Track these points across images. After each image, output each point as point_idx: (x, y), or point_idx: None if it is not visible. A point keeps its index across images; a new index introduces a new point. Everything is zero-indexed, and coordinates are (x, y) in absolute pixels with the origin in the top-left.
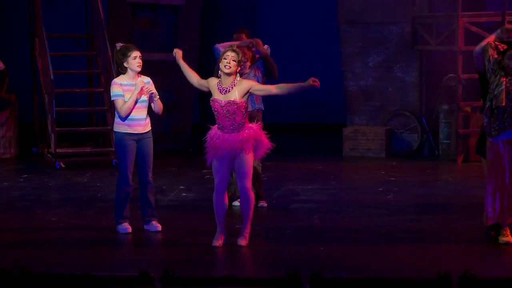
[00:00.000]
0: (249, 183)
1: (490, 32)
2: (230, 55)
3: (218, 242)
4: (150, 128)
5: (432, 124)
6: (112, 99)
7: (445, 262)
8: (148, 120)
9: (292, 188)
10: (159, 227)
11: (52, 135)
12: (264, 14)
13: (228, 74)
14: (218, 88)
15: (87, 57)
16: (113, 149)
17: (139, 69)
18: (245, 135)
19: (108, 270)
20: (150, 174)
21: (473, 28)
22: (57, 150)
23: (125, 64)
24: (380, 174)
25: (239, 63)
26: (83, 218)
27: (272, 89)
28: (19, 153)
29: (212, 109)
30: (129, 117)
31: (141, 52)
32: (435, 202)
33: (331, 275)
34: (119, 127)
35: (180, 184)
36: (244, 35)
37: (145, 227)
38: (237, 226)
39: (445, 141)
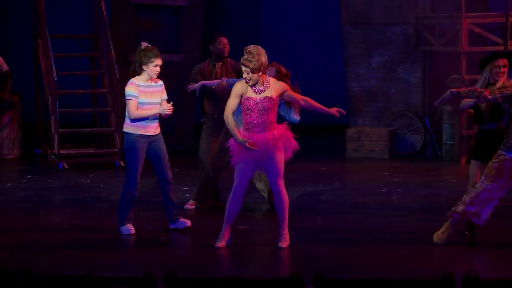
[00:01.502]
0: (282, 183)
1: (494, 33)
2: (244, 69)
3: (222, 243)
4: (159, 129)
5: (436, 125)
6: (126, 98)
7: (448, 263)
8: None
9: (295, 189)
10: (188, 222)
11: (56, 136)
12: (267, 13)
13: (253, 85)
14: (253, 89)
15: (91, 58)
16: (117, 150)
17: (155, 77)
18: (276, 133)
19: (112, 271)
20: (170, 174)
21: (477, 29)
22: (61, 151)
23: (144, 67)
24: (383, 175)
25: (258, 68)
26: (86, 219)
27: (300, 100)
28: (23, 154)
29: (244, 108)
30: (150, 118)
31: (162, 60)
32: (438, 203)
33: (335, 276)
34: (132, 128)
35: (183, 185)
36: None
37: (172, 226)
38: (240, 227)
39: (448, 142)
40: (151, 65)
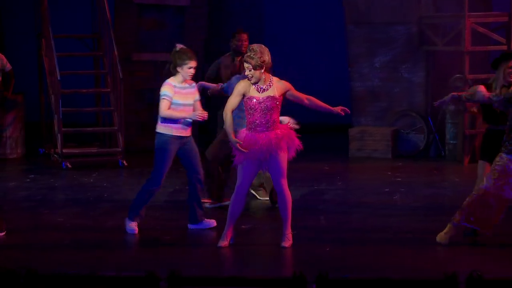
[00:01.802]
0: (285, 182)
1: (497, 32)
2: (246, 66)
3: (224, 242)
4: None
5: (439, 124)
6: (160, 97)
7: (451, 263)
8: None
9: (298, 189)
10: (213, 222)
11: (59, 135)
12: (269, 13)
13: (255, 83)
14: (256, 88)
15: (94, 57)
16: (120, 150)
17: (189, 79)
18: (279, 133)
19: (115, 270)
20: (202, 174)
21: (480, 29)
22: (64, 151)
23: (178, 69)
24: (386, 174)
25: (260, 65)
26: (89, 219)
27: (304, 99)
28: (26, 154)
29: (247, 107)
30: (184, 121)
31: (197, 62)
32: (441, 203)
33: (338, 275)
34: (166, 129)
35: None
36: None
37: (193, 227)
38: (242, 226)
39: (451, 142)
40: (185, 67)
